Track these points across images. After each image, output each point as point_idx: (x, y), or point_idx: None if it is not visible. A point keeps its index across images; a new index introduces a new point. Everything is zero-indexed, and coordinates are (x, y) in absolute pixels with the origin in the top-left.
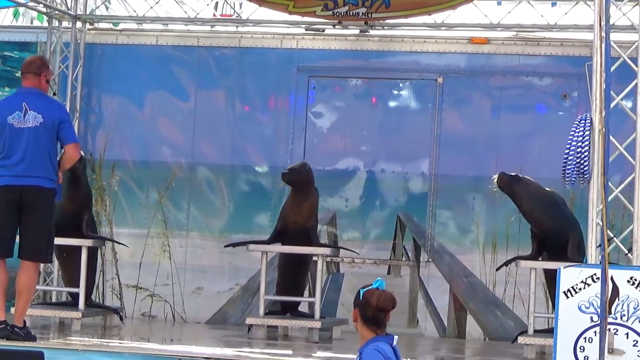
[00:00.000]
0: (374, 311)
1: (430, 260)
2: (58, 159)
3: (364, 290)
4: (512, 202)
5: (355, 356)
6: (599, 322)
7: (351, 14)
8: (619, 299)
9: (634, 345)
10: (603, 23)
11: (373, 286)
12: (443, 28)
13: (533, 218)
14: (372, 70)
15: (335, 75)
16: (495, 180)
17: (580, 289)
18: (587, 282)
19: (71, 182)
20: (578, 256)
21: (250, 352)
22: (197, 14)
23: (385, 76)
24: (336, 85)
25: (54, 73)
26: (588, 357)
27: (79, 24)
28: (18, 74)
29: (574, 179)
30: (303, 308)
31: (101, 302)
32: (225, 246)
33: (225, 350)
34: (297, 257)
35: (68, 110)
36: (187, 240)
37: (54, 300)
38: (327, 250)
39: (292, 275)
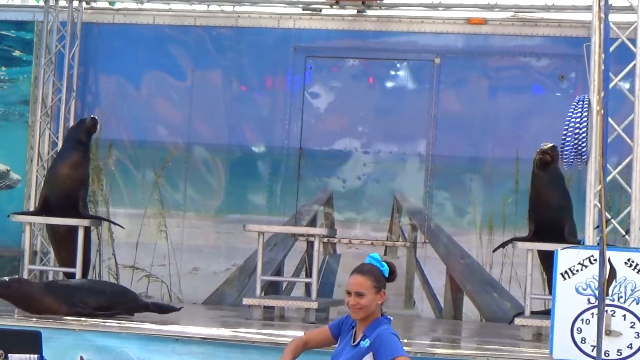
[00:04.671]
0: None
1: (426, 241)
2: None
3: (385, 268)
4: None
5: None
6: (596, 303)
7: None
8: (616, 281)
9: (631, 326)
10: (602, 3)
11: (380, 262)
12: (441, 8)
13: (544, 189)
14: (369, 50)
15: (332, 56)
16: (545, 151)
17: (577, 270)
18: (585, 263)
19: (77, 155)
20: (574, 238)
21: (247, 332)
22: None
23: (382, 56)
24: (333, 66)
25: (51, 52)
26: (585, 339)
27: (75, 3)
28: (15, 53)
29: (571, 160)
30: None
31: None
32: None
33: (221, 330)
34: None
35: (65, 89)
36: (183, 221)
37: (50, 280)
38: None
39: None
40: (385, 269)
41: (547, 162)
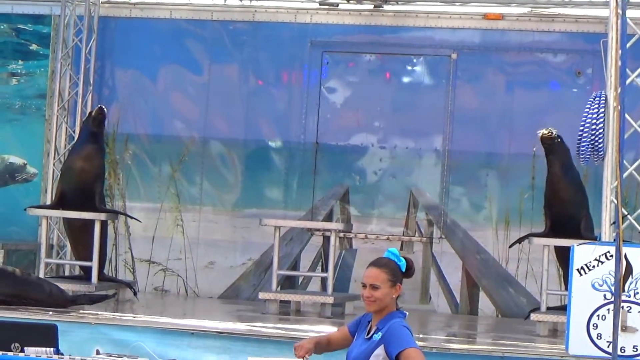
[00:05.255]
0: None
1: (443, 236)
2: None
3: (403, 262)
4: (546, 161)
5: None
6: (612, 299)
7: None
8: (632, 277)
9: None
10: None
11: (398, 256)
12: (457, 3)
13: (558, 185)
14: (386, 45)
15: (349, 51)
16: (542, 133)
17: (593, 266)
18: (601, 259)
19: (90, 148)
20: (591, 233)
21: (263, 326)
22: None
23: (399, 52)
24: (350, 61)
25: (68, 46)
26: (601, 335)
27: None
28: (32, 47)
29: (588, 156)
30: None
31: (114, 276)
32: None
33: (238, 324)
34: None
35: (82, 83)
36: (200, 215)
37: (66, 274)
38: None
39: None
40: (403, 264)
41: (547, 138)
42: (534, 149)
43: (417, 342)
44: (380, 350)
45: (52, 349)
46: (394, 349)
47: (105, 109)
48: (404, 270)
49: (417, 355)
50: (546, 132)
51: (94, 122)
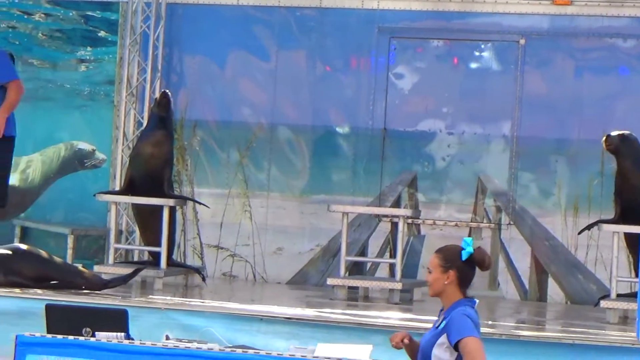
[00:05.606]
0: (474, 272)
1: (511, 222)
2: None
3: (468, 251)
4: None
5: (434, 318)
6: None
7: None
8: None
9: None
10: None
11: (469, 246)
12: None
13: (629, 174)
14: (454, 31)
15: (416, 37)
16: (603, 142)
17: None
18: None
19: (158, 133)
20: None
21: (331, 312)
22: None
23: (466, 37)
24: (417, 47)
25: (136, 32)
26: None
27: None
28: (100, 34)
29: None
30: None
31: (183, 261)
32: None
33: (306, 310)
34: None
35: (150, 70)
36: (267, 201)
37: (135, 259)
38: None
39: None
40: (465, 252)
41: (611, 151)
42: (604, 135)
43: (486, 329)
44: (443, 339)
45: (122, 334)
46: (454, 337)
47: (169, 93)
48: (463, 258)
49: (474, 344)
50: (607, 142)
51: (159, 106)
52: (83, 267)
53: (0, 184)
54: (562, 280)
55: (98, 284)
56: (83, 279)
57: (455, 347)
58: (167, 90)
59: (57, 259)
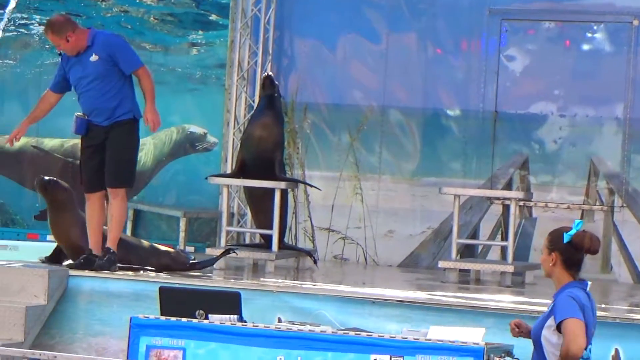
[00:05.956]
0: (581, 255)
1: (624, 205)
2: None
3: (570, 233)
4: None
5: (549, 301)
6: None
7: None
8: None
9: None
10: None
11: (574, 229)
12: None
13: None
14: (566, 12)
15: (527, 19)
16: None
17: None
18: None
19: (267, 116)
20: None
21: (443, 295)
22: None
23: (578, 19)
24: (529, 28)
25: (247, 16)
26: None
27: None
28: (212, 17)
29: None
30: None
31: (294, 244)
32: None
33: (417, 293)
34: None
35: (261, 53)
36: (379, 184)
37: (247, 242)
38: None
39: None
40: (566, 235)
41: None
42: None
43: (599, 312)
44: (551, 321)
45: (235, 316)
46: (557, 318)
47: (270, 73)
48: (565, 241)
49: (574, 326)
50: None
51: (263, 87)
52: (173, 247)
53: (130, 165)
54: None
55: (184, 264)
56: (169, 259)
57: (559, 328)
58: (269, 71)
59: (142, 241)
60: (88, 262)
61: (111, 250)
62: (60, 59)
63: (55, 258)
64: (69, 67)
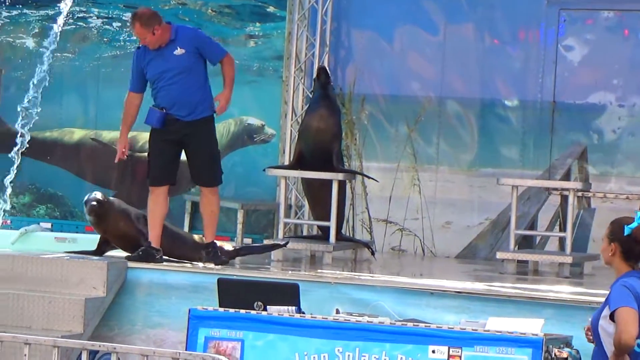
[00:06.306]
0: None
1: None
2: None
3: (631, 226)
4: None
5: (608, 292)
6: None
7: None
8: None
9: None
10: None
11: (636, 222)
12: None
13: None
14: (624, 2)
15: (586, 8)
16: None
17: None
18: None
19: (323, 108)
20: None
21: (501, 286)
22: None
23: (637, 8)
24: (587, 18)
25: (304, 7)
26: None
27: None
28: (269, 9)
29: None
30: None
31: (351, 235)
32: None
33: (476, 284)
34: None
35: (318, 45)
36: (436, 175)
37: (304, 233)
38: None
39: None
40: (627, 227)
41: None
42: None
43: None
44: (606, 311)
45: (294, 307)
46: (611, 307)
47: (324, 65)
48: (625, 233)
49: (624, 314)
50: None
51: (317, 79)
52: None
53: (220, 162)
54: None
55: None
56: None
57: (613, 317)
58: (324, 65)
59: (180, 230)
60: (148, 255)
61: (214, 244)
62: (134, 55)
63: (100, 252)
64: (147, 61)
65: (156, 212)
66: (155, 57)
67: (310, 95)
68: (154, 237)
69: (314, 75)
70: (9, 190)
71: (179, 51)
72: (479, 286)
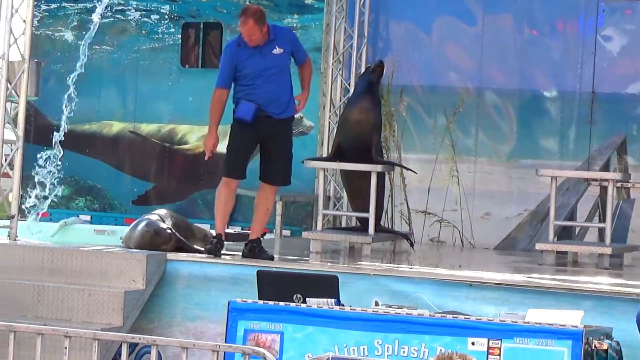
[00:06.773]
0: None
1: None
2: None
3: None
4: None
5: None
6: None
7: None
8: None
9: None
10: None
11: None
12: None
13: None
14: None
15: None
16: None
17: None
18: None
19: (366, 100)
20: None
21: (541, 278)
22: None
23: None
24: (626, 8)
25: None
26: None
27: None
28: (307, 1)
29: None
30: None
31: (390, 227)
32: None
33: (515, 276)
34: None
35: (356, 36)
36: (475, 166)
37: (343, 225)
38: None
39: None
40: None
41: None
42: None
43: None
44: None
45: (333, 299)
46: None
47: (384, 62)
48: None
49: None
50: None
51: (373, 72)
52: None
53: (291, 164)
54: None
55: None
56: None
57: None
58: (383, 60)
59: (193, 224)
60: (220, 247)
61: (260, 240)
62: (227, 52)
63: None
64: (244, 58)
65: (227, 204)
66: (254, 54)
67: (349, 87)
68: (221, 228)
69: (369, 66)
70: (48, 183)
71: (277, 50)
72: (518, 278)
